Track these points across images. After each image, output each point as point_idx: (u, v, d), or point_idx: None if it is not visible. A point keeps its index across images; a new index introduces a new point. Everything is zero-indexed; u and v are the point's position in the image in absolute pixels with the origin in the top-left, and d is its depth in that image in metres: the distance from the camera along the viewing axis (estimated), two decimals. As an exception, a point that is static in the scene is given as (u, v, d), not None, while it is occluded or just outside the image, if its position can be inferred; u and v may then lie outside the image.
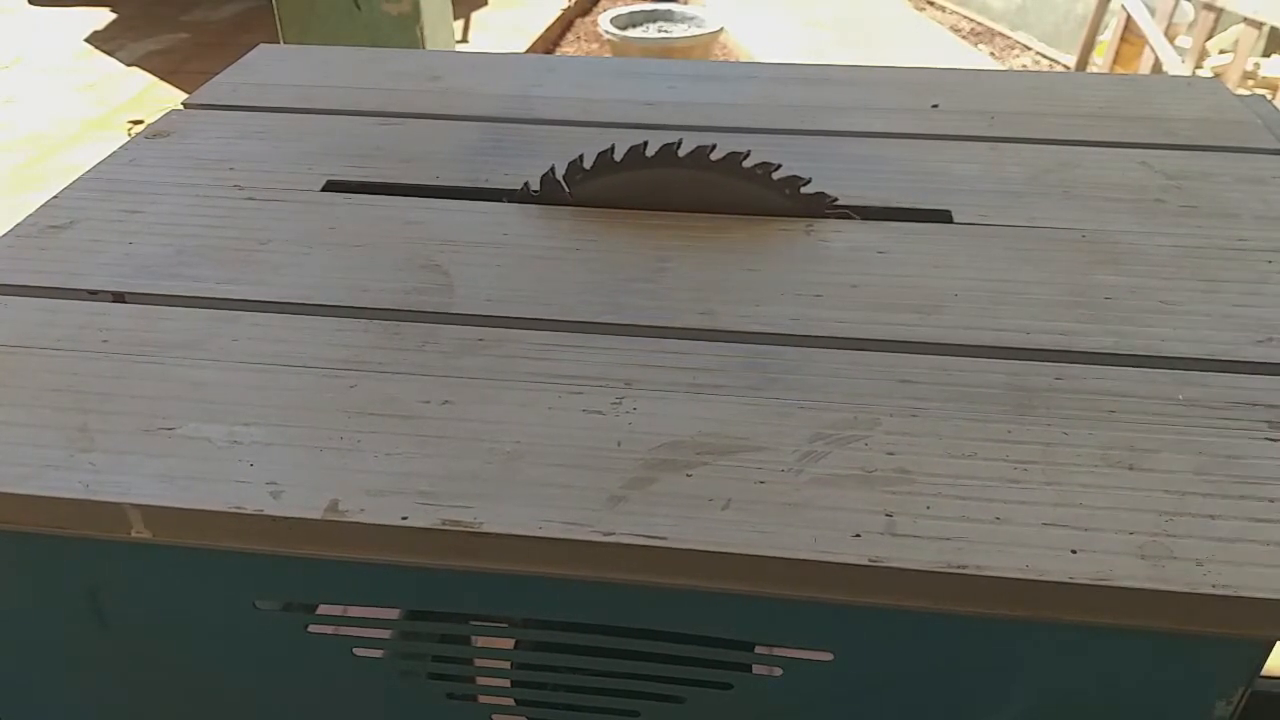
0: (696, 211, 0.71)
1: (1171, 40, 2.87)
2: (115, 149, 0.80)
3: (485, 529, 0.46)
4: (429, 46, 2.55)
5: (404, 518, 0.46)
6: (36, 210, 0.72)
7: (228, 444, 0.50)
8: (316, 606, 0.57)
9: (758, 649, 0.53)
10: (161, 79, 3.55)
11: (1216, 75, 2.72)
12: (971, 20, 4.16)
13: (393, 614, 0.60)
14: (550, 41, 4.03)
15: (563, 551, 0.46)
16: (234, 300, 0.62)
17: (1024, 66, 3.70)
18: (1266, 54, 2.95)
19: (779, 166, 0.70)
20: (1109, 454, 0.49)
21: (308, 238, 0.68)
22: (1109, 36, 3.12)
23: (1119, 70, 3.01)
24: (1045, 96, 0.88)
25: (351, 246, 0.67)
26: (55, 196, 0.73)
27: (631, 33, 3.60)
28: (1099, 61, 3.17)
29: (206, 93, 0.91)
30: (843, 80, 0.91)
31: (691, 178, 0.70)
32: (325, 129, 0.84)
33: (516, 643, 0.59)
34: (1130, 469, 0.48)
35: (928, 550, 0.44)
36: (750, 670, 0.53)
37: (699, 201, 0.71)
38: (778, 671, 0.52)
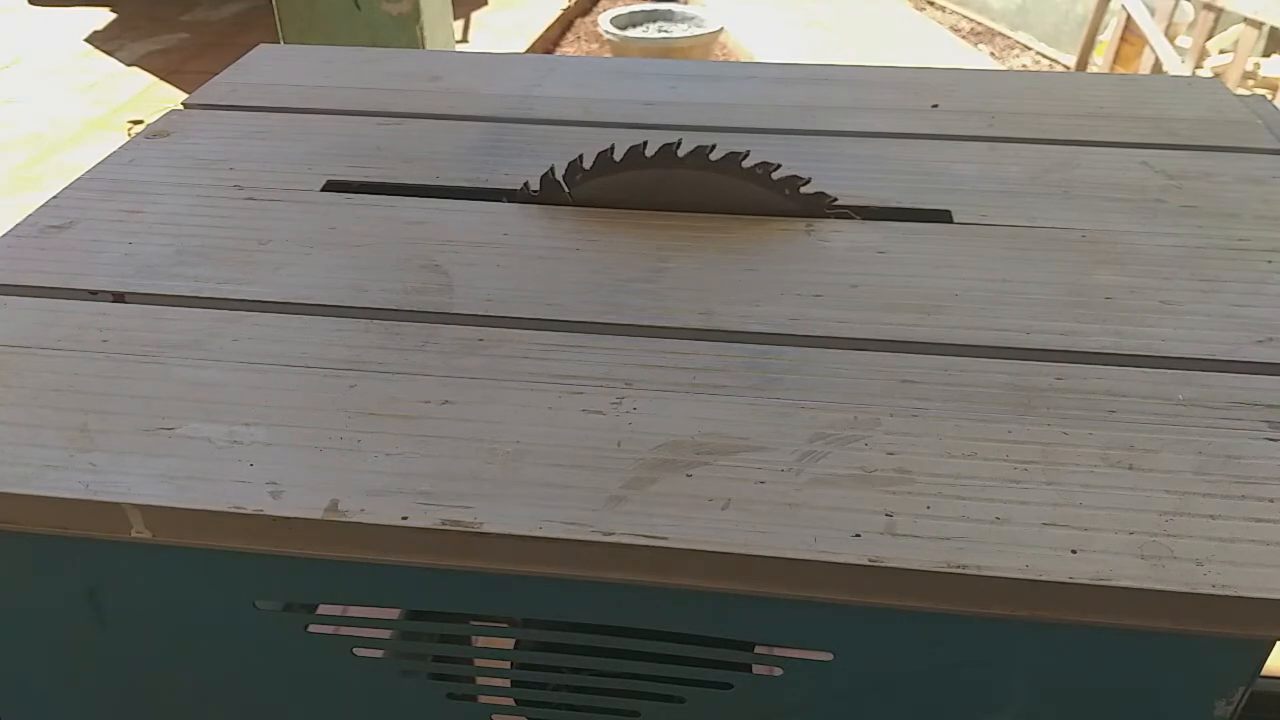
0: (696, 211, 0.71)
1: (1171, 40, 2.87)
2: (115, 149, 0.80)
3: (485, 529, 0.46)
4: (429, 46, 2.55)
5: (404, 518, 0.46)
6: (36, 210, 0.72)
7: (228, 444, 0.50)
8: (317, 606, 0.57)
9: (757, 649, 0.53)
10: (161, 79, 3.55)
11: (1216, 75, 2.72)
12: (971, 20, 4.16)
13: (393, 614, 0.60)
14: (550, 41, 4.03)
15: (563, 551, 0.46)
16: (234, 300, 0.62)
17: (1024, 66, 3.70)
18: (1266, 54, 2.95)
19: (778, 166, 0.70)
20: (1109, 454, 0.49)
21: (308, 238, 0.68)
22: (1109, 36, 3.12)
23: (1119, 70, 3.01)
24: (1045, 96, 0.88)
25: (351, 246, 0.67)
26: (55, 196, 0.73)
27: (631, 33, 3.61)
28: (1099, 61, 3.17)
29: (206, 93, 0.91)
30: (843, 80, 0.91)
31: (691, 178, 0.70)
32: (325, 129, 0.84)
33: (516, 643, 0.59)
34: (1130, 469, 0.48)
35: (928, 550, 0.44)
36: (750, 670, 0.53)
37: (699, 201, 0.71)
38: (777, 671, 0.51)
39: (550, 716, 0.57)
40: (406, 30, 2.49)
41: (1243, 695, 0.48)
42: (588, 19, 4.29)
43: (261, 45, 1.02)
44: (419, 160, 0.79)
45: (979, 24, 4.12)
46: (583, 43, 4.11)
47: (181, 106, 0.89)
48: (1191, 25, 2.92)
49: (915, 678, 0.50)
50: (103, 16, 4.20)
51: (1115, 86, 0.90)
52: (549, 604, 0.51)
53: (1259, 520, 0.45)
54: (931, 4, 4.31)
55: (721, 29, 3.61)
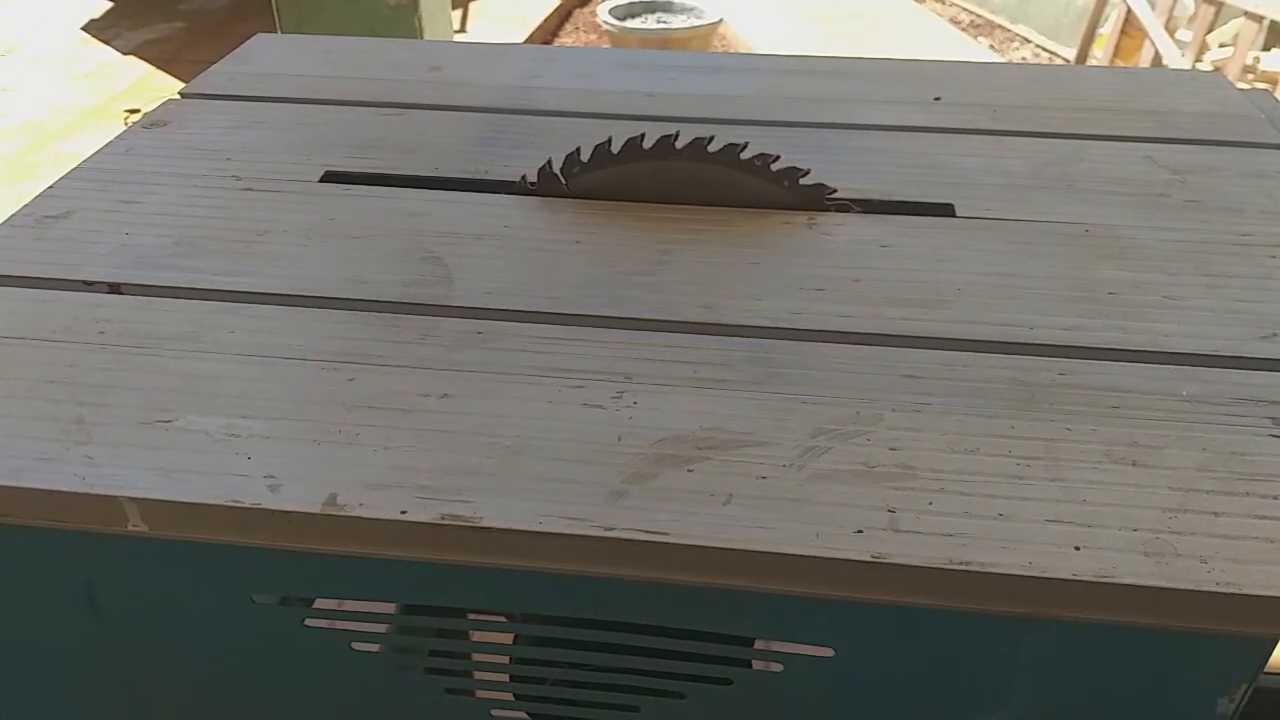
0: (697, 204, 0.70)
1: (1172, 34, 2.87)
2: (112, 139, 0.80)
3: (485, 524, 0.45)
4: (427, 36, 2.54)
5: (403, 512, 0.46)
6: (33, 200, 0.71)
7: (225, 437, 0.50)
8: (314, 600, 0.57)
9: (758, 644, 0.53)
10: (158, 68, 3.54)
11: (1217, 69, 2.71)
12: (971, 13, 4.15)
13: (390, 608, 0.59)
14: (549, 32, 4.02)
15: (563, 546, 0.46)
16: (231, 292, 0.62)
17: (1024, 59, 3.69)
18: (1266, 48, 2.94)
19: (777, 158, 0.69)
20: (1112, 450, 0.49)
21: (306, 229, 0.68)
22: (1109, 29, 3.11)
23: (1119, 63, 3.01)
24: (1048, 90, 0.87)
25: (350, 238, 0.67)
26: (51, 186, 0.73)
27: (630, 23, 3.59)
28: (1099, 55, 3.17)
29: (204, 82, 0.90)
30: (844, 72, 0.91)
31: (689, 170, 0.70)
32: (323, 119, 0.83)
33: (516, 637, 0.59)
34: (1134, 465, 0.48)
35: (930, 547, 0.44)
36: (750, 666, 0.52)
37: (698, 194, 0.70)
38: (778, 667, 0.51)
39: (550, 711, 0.57)
40: (405, 20, 2.48)
41: (1245, 692, 0.47)
42: (586, 9, 4.28)
43: (259, 35, 1.01)
44: (418, 151, 0.78)
45: (979, 16, 4.11)
46: (581, 33, 4.10)
47: (178, 96, 0.88)
48: (1191, 19, 2.92)
49: (917, 674, 0.50)
50: (99, 4, 4.18)
51: (1117, 80, 0.90)
52: (549, 599, 0.50)
53: (1263, 517, 0.45)
54: (931, -4, 4.30)
55: (721, 20, 3.60)
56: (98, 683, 0.59)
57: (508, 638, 0.58)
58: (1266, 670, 0.47)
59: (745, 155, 0.69)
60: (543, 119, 0.83)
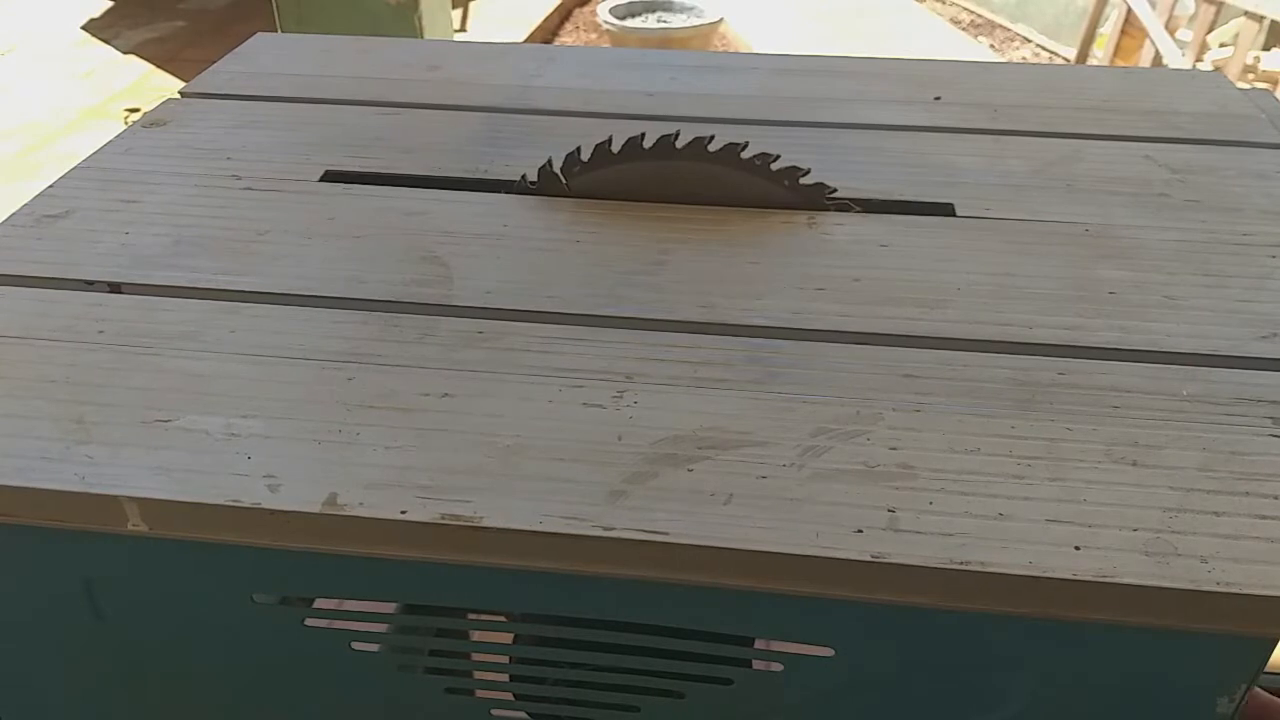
0: (697, 204, 0.70)
1: (1172, 33, 2.87)
2: (112, 138, 0.80)
3: (485, 523, 0.45)
4: (427, 35, 2.54)
5: (403, 511, 0.46)
6: (32, 199, 0.71)
7: (225, 436, 0.50)
8: (314, 600, 0.57)
9: (757, 644, 0.53)
10: (158, 67, 3.54)
11: (1217, 69, 2.71)
12: (971, 12, 4.15)
13: (390, 607, 0.59)
14: (549, 31, 4.02)
15: (563, 546, 0.45)
16: (232, 291, 0.62)
17: (1024, 59, 3.69)
18: (1266, 47, 2.94)
19: (778, 157, 0.69)
20: (1113, 450, 0.49)
21: (306, 228, 0.68)
22: (1109, 29, 3.11)
23: (1119, 63, 3.01)
24: (1048, 89, 0.87)
25: (350, 237, 0.67)
26: (50, 186, 0.73)
27: (630, 23, 3.60)
28: (1099, 54, 3.17)
29: (203, 81, 0.90)
30: (844, 71, 0.91)
31: (690, 169, 0.70)
32: (323, 118, 0.83)
33: (515, 637, 0.59)
34: (1134, 465, 0.48)
35: (930, 547, 0.44)
36: (750, 666, 0.52)
37: (699, 193, 0.70)
38: (778, 667, 0.51)
39: (550, 711, 0.57)
40: (405, 19, 2.48)
41: (1245, 692, 0.47)
42: (586, 9, 4.28)
43: (259, 34, 1.01)
44: (418, 150, 0.78)
45: (979, 16, 4.11)
46: (581, 32, 4.10)
47: (178, 95, 0.88)
48: (1192, 19, 2.92)
49: (917, 674, 0.50)
50: (99, 4, 4.18)
51: (1117, 80, 0.90)
52: (548, 599, 0.50)
53: (1264, 517, 0.45)
54: (931, -4, 4.30)
55: (721, 19, 3.60)
56: (97, 683, 0.59)
57: (508, 638, 0.58)
58: (1266, 670, 0.47)
59: (745, 155, 0.69)
60: (543, 118, 0.83)
